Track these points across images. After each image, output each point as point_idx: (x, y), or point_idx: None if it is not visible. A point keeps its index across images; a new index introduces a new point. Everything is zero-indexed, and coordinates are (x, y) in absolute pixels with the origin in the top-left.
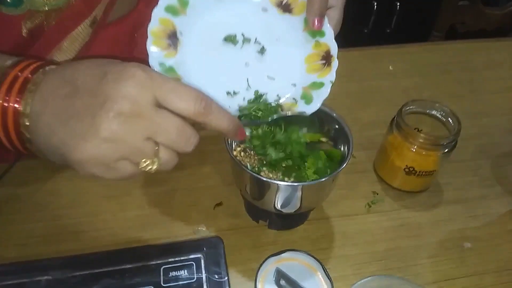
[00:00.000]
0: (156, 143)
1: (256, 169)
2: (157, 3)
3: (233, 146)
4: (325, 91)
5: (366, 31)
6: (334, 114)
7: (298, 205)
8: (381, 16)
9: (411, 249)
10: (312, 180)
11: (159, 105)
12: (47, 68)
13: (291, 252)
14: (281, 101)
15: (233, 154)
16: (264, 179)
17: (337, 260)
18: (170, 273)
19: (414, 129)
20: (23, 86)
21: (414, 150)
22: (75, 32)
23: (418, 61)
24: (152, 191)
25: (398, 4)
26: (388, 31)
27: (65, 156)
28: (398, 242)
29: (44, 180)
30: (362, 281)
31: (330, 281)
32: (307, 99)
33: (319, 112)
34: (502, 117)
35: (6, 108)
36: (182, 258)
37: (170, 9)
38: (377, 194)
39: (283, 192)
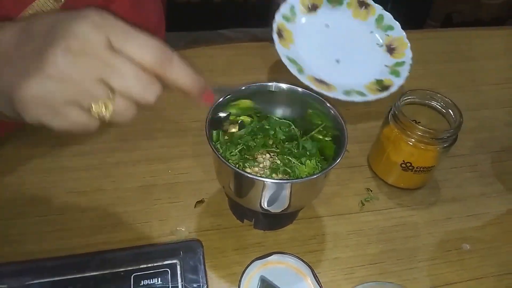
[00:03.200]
0: (111, 88)
1: (241, 164)
2: None
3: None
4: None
5: None
6: (327, 104)
7: (287, 204)
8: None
9: (407, 251)
10: (303, 177)
11: (114, 49)
12: (6, 22)
13: (278, 255)
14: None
15: (214, 146)
16: (249, 175)
17: (328, 264)
18: (142, 281)
19: (412, 121)
20: None
21: (412, 144)
22: (36, 4)
23: (416, 49)
24: (127, 187)
25: None
26: None
27: (10, 97)
28: (393, 243)
29: (5, 174)
30: None
31: (320, 286)
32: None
33: (312, 102)
34: (502, 110)
35: None
36: (155, 264)
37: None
38: (371, 191)
39: (270, 190)
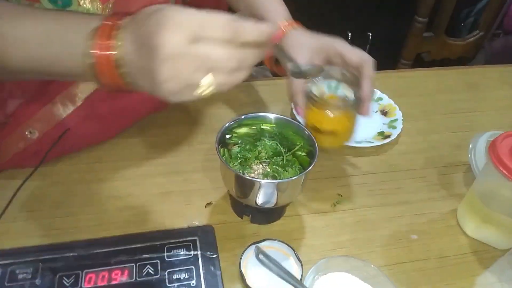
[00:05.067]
0: (207, 70)
1: (241, 172)
2: None
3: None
4: None
5: None
6: (303, 128)
7: (275, 200)
8: (355, 45)
9: (367, 239)
10: (286, 178)
11: (197, 40)
12: (123, 21)
13: (269, 241)
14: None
15: (222, 158)
16: (248, 177)
17: (307, 248)
18: (172, 250)
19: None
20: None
21: (314, 111)
22: None
23: (380, 87)
24: (152, 193)
25: (370, 34)
26: None
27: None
28: (357, 234)
29: (59, 184)
30: (325, 259)
31: (301, 263)
32: None
33: (293, 127)
34: (449, 134)
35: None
36: (181, 239)
37: None
38: (341, 196)
39: (263, 189)
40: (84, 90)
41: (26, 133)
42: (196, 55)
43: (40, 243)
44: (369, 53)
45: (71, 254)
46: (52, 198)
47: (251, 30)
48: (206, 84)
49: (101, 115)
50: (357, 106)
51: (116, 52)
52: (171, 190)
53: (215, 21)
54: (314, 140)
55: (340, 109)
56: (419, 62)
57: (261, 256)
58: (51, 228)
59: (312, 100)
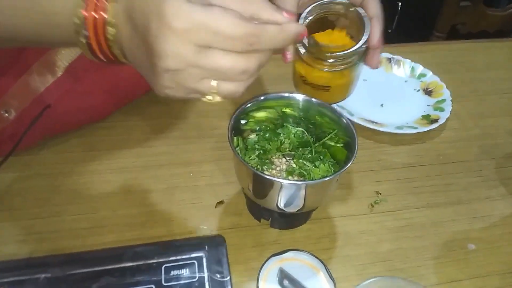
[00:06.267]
0: (216, 79)
1: (259, 167)
2: None
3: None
4: None
5: None
6: (340, 113)
7: (301, 204)
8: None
9: (414, 250)
10: (317, 178)
11: (207, 48)
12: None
13: (293, 251)
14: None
15: (235, 150)
16: (268, 177)
17: (340, 260)
18: (172, 271)
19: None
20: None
21: (305, 63)
22: None
23: (420, 61)
24: (152, 188)
25: (400, 4)
26: (390, 31)
27: None
28: (401, 242)
29: (43, 176)
30: (365, 282)
31: (333, 281)
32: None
33: (325, 111)
34: (505, 118)
35: (96, 20)
36: (184, 256)
37: None
38: (380, 194)
39: (287, 191)
40: (64, 57)
41: (2, 112)
42: (204, 66)
43: (16, 251)
44: (399, 24)
45: (44, 275)
46: (34, 194)
47: (275, 35)
48: (213, 94)
49: (88, 90)
50: (363, 54)
51: (107, 17)
52: (176, 185)
53: (234, 30)
54: (354, 129)
55: (338, 64)
56: (453, 35)
57: (285, 283)
58: (31, 232)
59: (303, 46)
